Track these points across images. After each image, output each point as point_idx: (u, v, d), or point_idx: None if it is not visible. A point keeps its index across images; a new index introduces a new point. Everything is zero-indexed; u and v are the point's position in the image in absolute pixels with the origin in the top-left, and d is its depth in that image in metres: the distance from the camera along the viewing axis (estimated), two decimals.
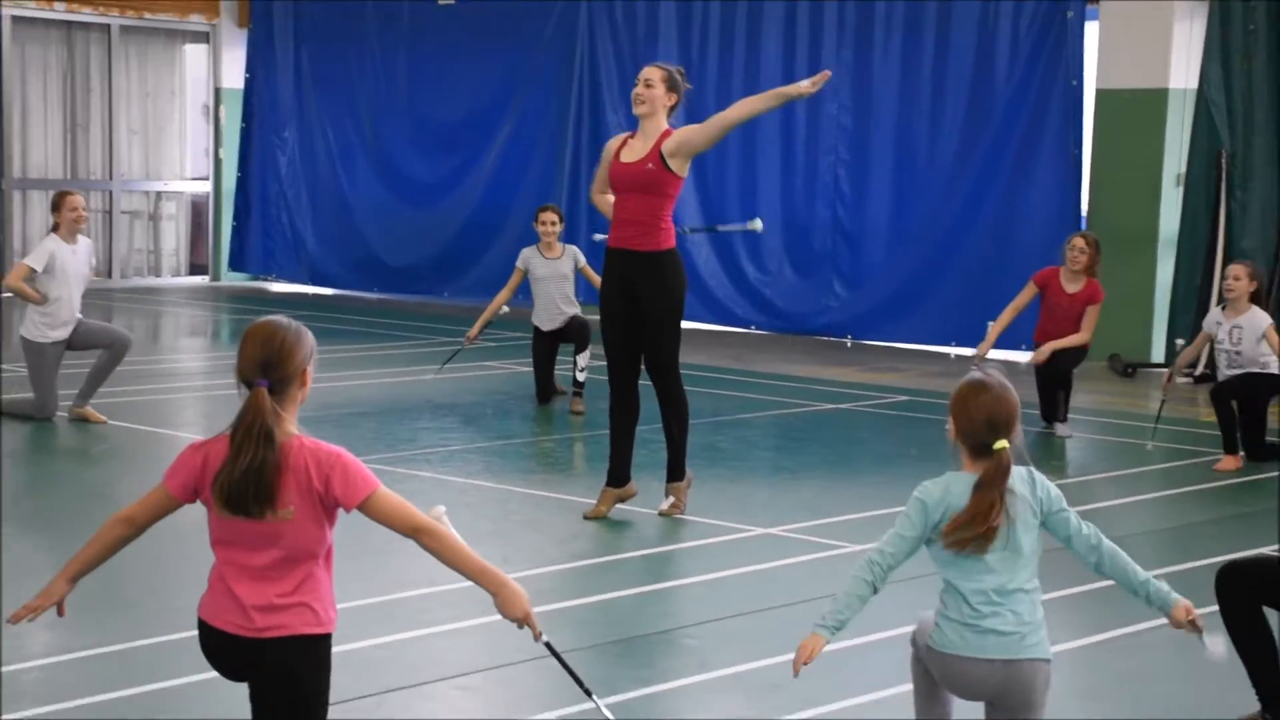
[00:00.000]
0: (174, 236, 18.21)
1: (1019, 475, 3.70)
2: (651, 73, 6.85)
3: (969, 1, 13.08)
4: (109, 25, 17.19)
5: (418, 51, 16.51)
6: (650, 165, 6.73)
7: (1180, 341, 9.07)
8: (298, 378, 3.36)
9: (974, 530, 3.61)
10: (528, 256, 10.21)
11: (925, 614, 3.83)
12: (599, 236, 7.55)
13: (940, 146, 13.34)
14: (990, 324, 9.65)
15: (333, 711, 3.39)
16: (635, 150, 6.82)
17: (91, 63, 17.24)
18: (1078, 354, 9.47)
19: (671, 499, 7.07)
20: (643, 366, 6.96)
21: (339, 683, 3.47)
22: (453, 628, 5.31)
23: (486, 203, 15.95)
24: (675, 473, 7.09)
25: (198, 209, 18.31)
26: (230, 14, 17.90)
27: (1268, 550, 6.36)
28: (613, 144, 7.00)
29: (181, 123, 18.10)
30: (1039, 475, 3.77)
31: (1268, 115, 11.95)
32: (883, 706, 4.61)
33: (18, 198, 16.78)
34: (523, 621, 3.38)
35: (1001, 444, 3.64)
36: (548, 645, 3.57)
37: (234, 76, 17.93)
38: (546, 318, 10.12)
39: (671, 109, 6.86)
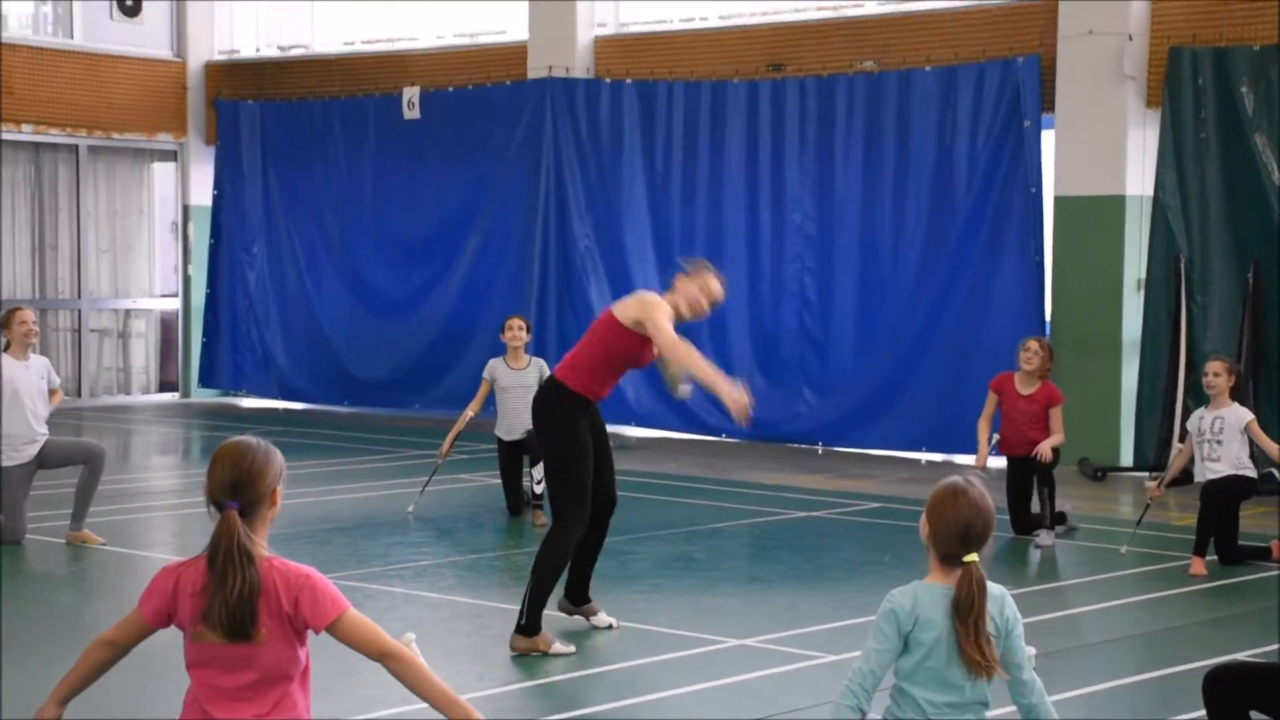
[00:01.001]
0: (143, 354, 18.19)
1: (989, 590, 3.69)
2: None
3: (927, 111, 13.31)
4: (77, 145, 17.29)
5: (384, 165, 16.63)
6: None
7: (1178, 446, 8.99)
8: (268, 498, 3.38)
9: (970, 660, 3.60)
10: (494, 367, 10.22)
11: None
12: None
13: (903, 254, 13.48)
14: (978, 432, 9.67)
15: None
16: None
17: (59, 182, 17.32)
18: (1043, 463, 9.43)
19: (605, 615, 7.09)
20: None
21: None
22: None
23: (455, 315, 16.00)
24: (585, 593, 7.13)
25: (167, 326, 18.31)
26: (198, 132, 18.04)
27: (1243, 655, 6.37)
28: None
29: (150, 240, 18.15)
30: (1007, 595, 3.77)
31: (1222, 220, 12.12)
32: None
33: None
34: None
35: (972, 556, 3.63)
36: None
37: (202, 193, 18.02)
38: (508, 428, 10.11)
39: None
